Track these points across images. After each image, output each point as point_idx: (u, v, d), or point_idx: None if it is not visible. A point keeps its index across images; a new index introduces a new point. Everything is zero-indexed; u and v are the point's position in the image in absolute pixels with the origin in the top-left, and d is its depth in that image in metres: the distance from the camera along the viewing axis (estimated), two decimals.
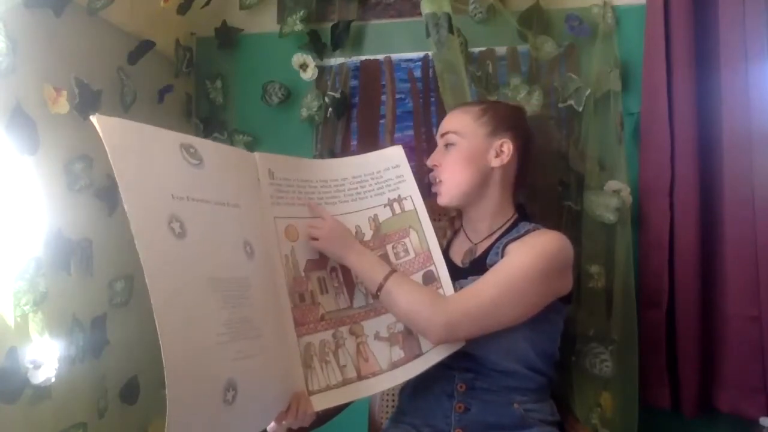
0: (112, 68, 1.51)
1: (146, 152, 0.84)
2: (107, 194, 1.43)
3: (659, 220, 1.45)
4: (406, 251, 1.17)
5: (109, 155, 0.78)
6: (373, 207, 1.19)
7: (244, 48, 1.83)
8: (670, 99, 1.45)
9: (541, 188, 1.49)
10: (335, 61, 1.75)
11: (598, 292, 1.45)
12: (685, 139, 1.44)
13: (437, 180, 1.20)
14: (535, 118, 1.47)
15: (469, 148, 1.18)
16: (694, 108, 1.44)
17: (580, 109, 1.53)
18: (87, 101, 1.38)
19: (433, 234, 1.18)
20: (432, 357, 1.10)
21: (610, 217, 1.44)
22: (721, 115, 1.43)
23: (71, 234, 1.33)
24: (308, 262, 1.09)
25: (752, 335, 1.38)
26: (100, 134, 0.78)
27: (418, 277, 1.14)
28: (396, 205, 1.19)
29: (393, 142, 1.68)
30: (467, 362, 1.12)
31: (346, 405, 1.12)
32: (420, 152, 1.67)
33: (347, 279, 1.13)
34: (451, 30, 1.51)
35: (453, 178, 1.18)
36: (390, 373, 1.09)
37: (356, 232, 1.15)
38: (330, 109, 1.71)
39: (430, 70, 1.69)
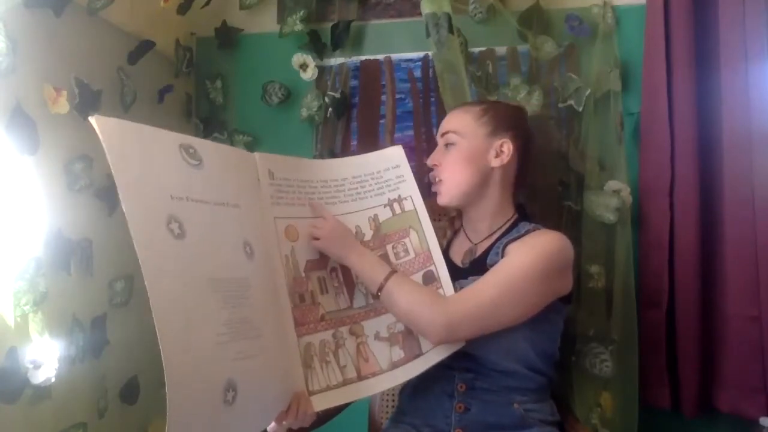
0: (112, 68, 1.51)
1: (145, 153, 0.84)
2: (107, 194, 1.43)
3: (659, 220, 1.45)
4: (406, 251, 1.17)
5: (107, 156, 0.78)
6: (373, 207, 1.19)
7: (244, 48, 1.83)
8: (670, 99, 1.45)
9: (541, 188, 1.49)
10: (335, 61, 1.75)
11: (598, 292, 1.45)
12: (685, 139, 1.44)
13: (437, 179, 1.20)
14: (535, 118, 1.47)
15: (469, 148, 1.18)
16: (694, 108, 1.44)
17: (580, 109, 1.53)
18: (87, 101, 1.38)
19: (433, 234, 1.18)
20: (432, 357, 1.10)
21: (610, 217, 1.45)
22: (721, 115, 1.43)
23: (71, 234, 1.33)
24: (308, 262, 1.09)
25: (752, 335, 1.38)
26: (99, 135, 0.78)
27: (418, 277, 1.14)
28: (396, 205, 1.19)
29: (393, 142, 1.68)
30: (467, 362, 1.12)
31: (346, 405, 1.12)
32: (420, 152, 1.67)
33: (347, 279, 1.13)
34: (451, 30, 1.51)
35: (453, 177, 1.18)
36: (390, 373, 1.09)
37: (356, 232, 1.15)
38: (330, 109, 1.71)
39: (430, 70, 1.69)
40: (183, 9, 1.72)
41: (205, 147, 0.95)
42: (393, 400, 1.40)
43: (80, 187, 1.36)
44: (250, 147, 1.76)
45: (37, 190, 1.25)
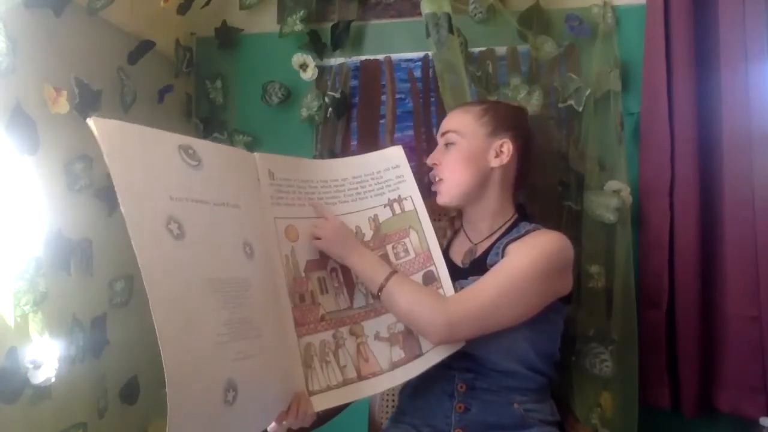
0: (112, 68, 1.51)
1: (143, 154, 0.84)
2: (107, 194, 1.43)
3: (659, 220, 1.45)
4: (406, 251, 1.17)
5: (105, 158, 0.78)
6: (373, 207, 1.19)
7: (244, 48, 1.83)
8: (670, 99, 1.45)
9: (541, 188, 1.49)
10: (335, 61, 1.75)
11: (598, 292, 1.45)
12: (685, 139, 1.44)
13: (437, 179, 1.20)
14: (535, 118, 1.47)
15: (469, 148, 1.18)
16: (694, 108, 1.44)
17: (580, 109, 1.53)
18: (87, 101, 1.38)
19: (433, 234, 1.18)
20: (432, 357, 1.10)
21: (610, 217, 1.45)
22: (721, 115, 1.43)
23: (71, 234, 1.33)
24: (308, 262, 1.09)
25: (752, 335, 1.38)
26: (96, 137, 0.78)
27: (418, 277, 1.14)
28: (396, 206, 1.19)
29: (393, 142, 1.68)
30: (467, 362, 1.12)
31: (346, 405, 1.12)
32: (420, 152, 1.67)
33: (347, 279, 1.13)
34: (451, 30, 1.51)
35: (453, 177, 1.18)
36: (390, 373, 1.09)
37: (356, 233, 1.15)
38: (330, 109, 1.71)
39: (430, 70, 1.69)
40: (183, 9, 1.72)
41: (205, 147, 0.95)
42: (393, 400, 1.40)
43: (80, 187, 1.36)
44: (250, 147, 1.76)
45: (37, 190, 1.25)
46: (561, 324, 1.20)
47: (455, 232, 1.29)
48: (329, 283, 1.11)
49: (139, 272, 0.76)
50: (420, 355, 1.10)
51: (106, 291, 1.46)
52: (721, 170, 1.43)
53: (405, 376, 1.10)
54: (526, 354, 1.12)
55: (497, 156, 1.17)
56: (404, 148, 1.25)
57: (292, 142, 1.76)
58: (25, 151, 1.22)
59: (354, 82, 1.75)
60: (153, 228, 0.80)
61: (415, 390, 1.20)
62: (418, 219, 1.19)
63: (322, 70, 1.74)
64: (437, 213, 1.31)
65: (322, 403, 1.01)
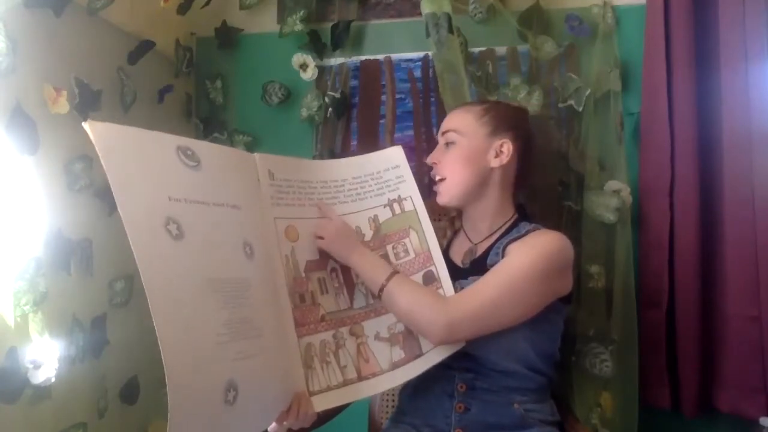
0: (112, 68, 1.51)
1: (140, 156, 0.84)
2: (107, 194, 1.40)
3: (659, 220, 1.45)
4: (406, 251, 1.17)
5: (102, 160, 0.78)
6: (373, 207, 1.19)
7: (244, 48, 1.83)
8: (670, 99, 1.45)
9: (541, 188, 1.49)
10: (335, 61, 1.75)
11: (598, 292, 1.45)
12: (685, 139, 1.44)
13: (437, 178, 1.20)
14: (535, 118, 1.47)
15: (469, 147, 1.18)
16: (694, 108, 1.44)
17: (580, 109, 1.53)
18: (87, 101, 1.38)
19: (433, 234, 1.18)
20: (432, 357, 1.10)
21: (610, 217, 1.45)
22: (721, 115, 1.43)
23: (71, 234, 1.33)
24: (308, 262, 1.09)
25: (752, 335, 1.38)
26: (93, 140, 0.78)
27: (418, 277, 1.14)
28: (396, 206, 1.19)
29: (393, 142, 1.68)
30: (467, 362, 1.12)
31: (347, 405, 1.12)
32: (420, 152, 1.67)
33: (347, 279, 1.13)
34: (451, 30, 1.51)
35: (453, 177, 1.18)
36: (390, 373, 1.09)
37: (356, 233, 1.15)
38: (330, 109, 1.71)
39: (430, 70, 1.69)
40: (183, 9, 1.72)
41: (204, 148, 0.95)
42: (393, 400, 1.40)
43: (80, 187, 1.36)
44: (250, 147, 1.76)
45: (37, 190, 1.25)
46: (561, 324, 1.20)
47: (455, 232, 1.29)
48: (329, 283, 1.11)
49: (139, 272, 0.76)
50: (420, 355, 1.10)
51: (106, 291, 1.46)
52: (721, 170, 1.43)
53: (405, 377, 1.10)
54: (526, 354, 1.12)
55: (497, 156, 1.17)
56: (404, 148, 1.25)
57: (292, 142, 1.76)
58: (25, 151, 1.22)
59: (354, 82, 1.75)
60: (151, 228, 0.80)
61: (415, 390, 1.20)
62: (418, 219, 1.19)
63: (322, 70, 1.74)
64: (437, 213, 1.31)
65: (322, 403, 1.01)
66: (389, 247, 1.17)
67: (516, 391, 1.12)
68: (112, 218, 1.44)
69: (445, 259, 1.17)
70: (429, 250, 1.16)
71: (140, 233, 0.78)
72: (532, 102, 1.55)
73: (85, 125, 0.78)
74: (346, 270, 1.13)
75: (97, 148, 0.78)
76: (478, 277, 1.11)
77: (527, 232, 1.15)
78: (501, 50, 1.65)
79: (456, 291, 1.12)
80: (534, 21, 1.59)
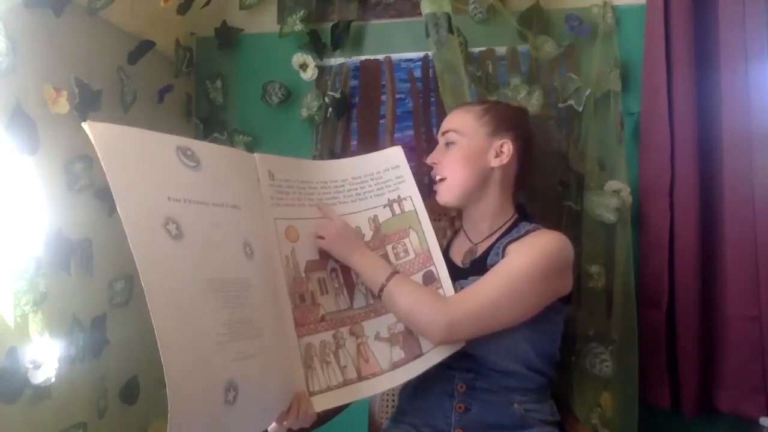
0: (112, 68, 1.51)
1: (140, 156, 0.84)
2: (107, 194, 1.40)
3: (659, 220, 1.45)
4: (406, 251, 1.17)
5: (101, 161, 0.78)
6: (373, 208, 1.19)
7: (244, 48, 1.83)
8: (670, 99, 1.45)
9: (541, 188, 1.49)
10: (335, 61, 1.75)
11: (598, 292, 1.45)
12: (685, 139, 1.44)
13: (437, 178, 1.20)
14: (535, 118, 1.47)
15: (469, 147, 1.18)
16: (694, 108, 1.44)
17: (580, 109, 1.53)
18: (87, 101, 1.38)
19: (433, 234, 1.18)
20: (432, 357, 1.10)
21: (610, 217, 1.45)
22: (721, 115, 1.43)
23: (71, 234, 1.33)
24: (308, 262, 1.09)
25: (752, 335, 1.38)
26: (92, 140, 0.78)
27: (418, 277, 1.14)
28: (396, 206, 1.19)
29: (393, 142, 1.68)
30: (467, 362, 1.12)
31: (347, 405, 1.12)
32: (420, 152, 1.67)
33: (347, 280, 1.13)
34: (450, 30, 1.51)
35: (453, 176, 1.18)
36: (390, 373, 1.09)
37: (356, 233, 1.15)
38: (330, 109, 1.71)
39: (430, 70, 1.69)
40: (183, 9, 1.72)
41: (204, 149, 0.95)
42: (393, 400, 1.40)
43: (80, 187, 1.36)
44: (250, 147, 1.76)
45: (37, 190, 1.25)
46: (561, 324, 1.20)
47: (455, 232, 1.29)
48: (329, 283, 1.11)
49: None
50: (420, 355, 1.10)
51: (106, 291, 1.46)
52: (721, 170, 1.43)
53: (405, 377, 1.10)
54: (526, 354, 1.12)
55: (497, 156, 1.17)
56: (404, 148, 1.25)
57: (292, 142, 1.76)
58: (25, 151, 1.22)
59: (354, 82, 1.75)
60: (151, 228, 0.80)
61: (415, 390, 1.20)
62: (418, 219, 1.19)
63: (322, 70, 1.74)
64: (437, 213, 1.31)
65: (322, 403, 1.01)
66: (389, 247, 1.17)
67: (516, 391, 1.13)
68: (112, 218, 1.44)
69: (445, 259, 1.17)
70: (429, 250, 1.17)
71: (139, 233, 0.78)
72: (532, 102, 1.55)
73: (85, 125, 0.79)
74: (346, 270, 1.13)
75: (96, 149, 0.78)
76: (478, 277, 1.11)
77: (527, 232, 1.15)
78: (501, 50, 1.65)
79: (456, 291, 1.12)
80: (534, 21, 1.59)
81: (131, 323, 1.50)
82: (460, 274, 1.16)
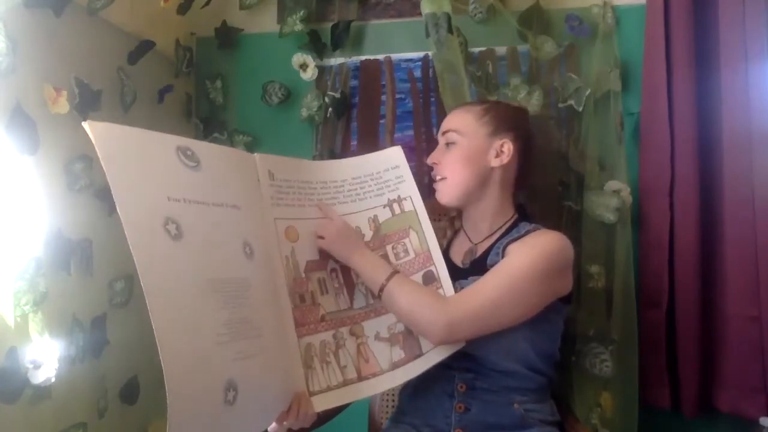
0: (112, 68, 1.51)
1: (140, 156, 0.84)
2: (107, 194, 1.40)
3: (659, 220, 1.45)
4: (406, 251, 1.17)
5: (101, 160, 0.78)
6: (373, 208, 1.19)
7: (244, 48, 1.83)
8: (670, 99, 1.45)
9: (541, 188, 1.49)
10: (335, 61, 1.75)
11: (598, 292, 1.46)
12: (685, 139, 1.44)
13: (437, 178, 1.20)
14: (535, 118, 1.47)
15: (469, 147, 1.18)
16: (694, 108, 1.44)
17: (580, 109, 1.53)
18: (87, 101, 1.38)
19: (433, 234, 1.18)
20: (432, 357, 1.10)
21: (610, 217, 1.45)
22: (721, 115, 1.43)
23: (71, 234, 1.33)
24: (308, 263, 1.09)
25: (752, 335, 1.38)
26: (92, 140, 0.78)
27: (418, 277, 1.14)
28: (396, 206, 1.19)
29: (393, 142, 1.68)
30: (467, 362, 1.12)
31: (347, 405, 1.12)
32: (420, 152, 1.67)
33: (347, 280, 1.13)
34: (450, 30, 1.51)
35: (453, 176, 1.18)
36: (390, 373, 1.09)
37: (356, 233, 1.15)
38: (330, 109, 1.71)
39: (430, 70, 1.69)
40: (183, 9, 1.72)
41: (204, 149, 0.95)
42: (393, 400, 1.40)
43: (80, 187, 1.36)
44: (250, 147, 1.76)
45: (37, 190, 1.25)
46: (561, 324, 1.20)
47: (455, 232, 1.29)
48: (329, 283, 1.11)
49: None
50: (420, 355, 1.10)
51: (106, 291, 1.46)
52: (721, 170, 1.43)
53: (405, 377, 1.10)
54: (526, 354, 1.12)
55: (498, 156, 1.17)
56: (404, 148, 1.25)
57: (292, 142, 1.76)
58: (25, 151, 1.22)
59: (354, 82, 1.75)
60: (150, 228, 0.80)
61: (415, 390, 1.20)
62: (418, 219, 1.19)
63: (322, 70, 1.74)
64: (437, 213, 1.31)
65: (322, 403, 1.01)
66: (389, 248, 1.17)
67: (516, 391, 1.13)
68: (112, 218, 1.44)
69: (445, 259, 1.17)
70: (429, 250, 1.17)
71: (139, 233, 0.78)
72: (532, 102, 1.55)
73: (85, 125, 0.79)
74: (346, 270, 1.13)
75: (96, 148, 0.78)
76: (478, 277, 1.11)
77: (527, 232, 1.15)
78: (501, 50, 1.65)
79: (456, 291, 1.12)
80: (534, 21, 1.60)
81: (131, 323, 1.50)
82: (460, 274, 1.16)
